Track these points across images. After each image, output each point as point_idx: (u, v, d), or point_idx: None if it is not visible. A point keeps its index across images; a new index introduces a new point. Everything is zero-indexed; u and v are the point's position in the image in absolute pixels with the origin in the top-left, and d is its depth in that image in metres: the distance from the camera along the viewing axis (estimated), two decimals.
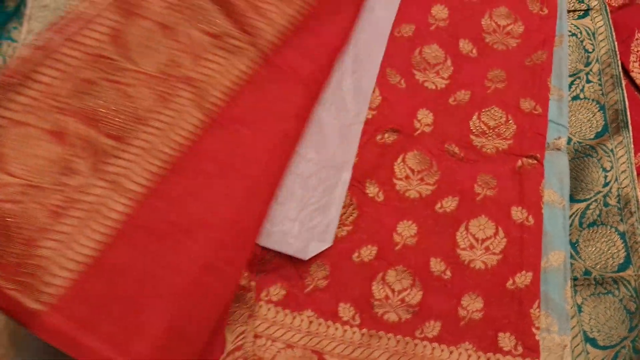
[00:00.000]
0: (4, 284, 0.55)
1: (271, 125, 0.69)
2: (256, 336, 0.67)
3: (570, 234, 0.74)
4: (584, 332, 0.69)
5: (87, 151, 0.62)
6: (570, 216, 0.74)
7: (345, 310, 0.69)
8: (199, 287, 0.61)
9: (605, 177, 0.76)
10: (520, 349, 0.66)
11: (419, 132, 0.78)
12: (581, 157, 0.78)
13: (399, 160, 0.76)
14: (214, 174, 0.65)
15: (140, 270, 0.59)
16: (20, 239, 0.57)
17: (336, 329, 0.68)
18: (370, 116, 0.77)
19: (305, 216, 0.70)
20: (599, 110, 0.81)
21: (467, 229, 0.72)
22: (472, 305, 0.69)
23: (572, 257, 0.73)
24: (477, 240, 0.72)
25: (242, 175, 0.66)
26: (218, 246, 0.62)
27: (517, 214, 0.73)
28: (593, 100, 0.82)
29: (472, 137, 0.78)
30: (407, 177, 0.75)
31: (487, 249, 0.71)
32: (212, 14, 0.69)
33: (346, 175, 0.73)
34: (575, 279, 0.71)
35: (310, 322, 0.68)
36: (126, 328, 0.57)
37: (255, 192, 0.67)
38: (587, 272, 0.72)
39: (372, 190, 0.74)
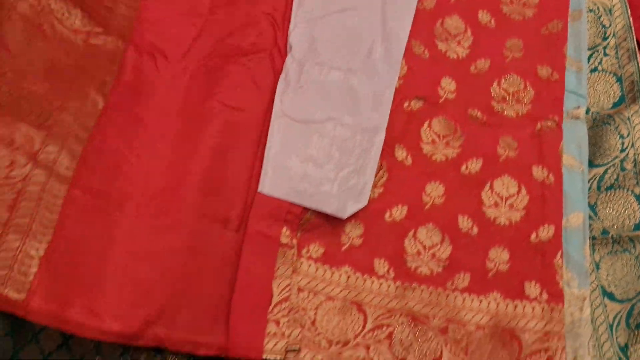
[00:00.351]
0: None
1: (170, 89, 0.76)
2: (299, 290, 0.72)
3: (589, 197, 0.78)
4: (602, 287, 0.74)
5: (23, 146, 0.67)
6: (589, 180, 0.79)
7: (380, 265, 0.74)
8: (145, 243, 0.67)
9: (622, 143, 0.80)
10: (545, 295, 0.71)
11: (443, 99, 0.82)
12: (599, 125, 0.82)
13: (425, 126, 0.81)
14: (124, 150, 0.71)
15: (91, 243, 0.66)
16: None
17: (372, 282, 0.73)
18: (397, 85, 0.82)
19: (343, 178, 0.75)
20: (616, 82, 0.85)
21: (491, 188, 0.77)
22: (498, 258, 0.73)
23: (590, 218, 0.77)
24: (501, 198, 0.77)
25: (154, 144, 0.73)
26: (153, 208, 0.69)
27: (538, 173, 0.77)
28: (610, 72, 0.86)
29: (493, 103, 0.82)
30: (433, 141, 0.80)
31: (510, 206, 0.76)
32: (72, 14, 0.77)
33: (380, 138, 0.77)
34: (593, 238, 0.76)
35: (348, 277, 0.73)
36: (97, 295, 0.64)
37: (178, 157, 0.73)
38: (604, 232, 0.76)
39: (400, 154, 0.79)
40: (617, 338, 0.71)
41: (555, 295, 0.71)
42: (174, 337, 0.66)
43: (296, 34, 0.83)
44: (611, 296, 0.73)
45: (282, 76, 0.80)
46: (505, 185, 0.77)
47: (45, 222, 0.65)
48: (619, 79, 0.86)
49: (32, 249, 0.64)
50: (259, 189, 0.74)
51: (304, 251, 0.74)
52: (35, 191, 0.66)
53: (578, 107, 0.82)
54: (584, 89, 0.83)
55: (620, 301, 0.72)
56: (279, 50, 0.82)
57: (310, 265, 0.74)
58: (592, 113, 0.83)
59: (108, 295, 0.64)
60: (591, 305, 0.72)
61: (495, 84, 0.83)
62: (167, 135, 0.74)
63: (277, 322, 0.70)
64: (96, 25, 0.77)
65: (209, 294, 0.69)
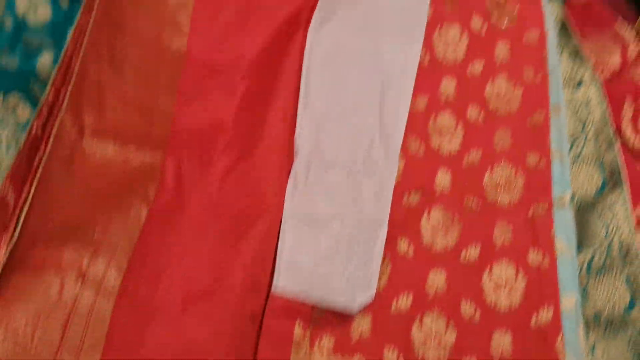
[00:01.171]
0: None
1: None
2: None
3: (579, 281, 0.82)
4: None
5: (71, 267, 0.72)
6: (579, 265, 0.83)
7: (390, 353, 0.78)
8: (187, 342, 0.72)
9: (607, 228, 0.85)
10: None
11: (439, 191, 0.89)
12: (584, 212, 0.87)
13: (424, 217, 0.87)
14: (165, 257, 0.76)
15: (141, 351, 0.70)
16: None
17: None
18: (396, 180, 0.89)
19: (350, 273, 0.81)
20: (597, 170, 0.91)
21: (490, 273, 0.82)
22: (502, 344, 0.77)
23: (582, 301, 0.81)
24: (500, 283, 0.81)
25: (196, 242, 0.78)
26: (194, 310, 0.73)
27: (533, 256, 0.82)
28: (591, 160, 0.92)
29: (486, 192, 0.89)
30: (432, 232, 0.86)
31: (509, 290, 0.81)
32: None
33: (383, 232, 0.83)
34: (586, 321, 0.79)
35: None
36: None
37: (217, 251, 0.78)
38: (596, 315, 0.80)
39: (402, 246, 0.85)
40: None
41: None
42: None
43: (303, 136, 0.91)
44: None
45: (291, 177, 0.87)
46: (503, 270, 0.82)
47: (94, 339, 0.69)
48: (601, 166, 0.91)
49: None
50: (272, 288, 0.80)
51: (315, 343, 0.79)
52: (84, 311, 0.70)
53: (564, 194, 0.87)
54: (567, 177, 0.89)
55: None
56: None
57: (322, 355, 0.78)
58: (577, 200, 0.89)
59: None
60: None
61: (487, 174, 0.90)
62: (207, 237, 0.78)
63: None
64: (132, 147, 0.82)
65: None
